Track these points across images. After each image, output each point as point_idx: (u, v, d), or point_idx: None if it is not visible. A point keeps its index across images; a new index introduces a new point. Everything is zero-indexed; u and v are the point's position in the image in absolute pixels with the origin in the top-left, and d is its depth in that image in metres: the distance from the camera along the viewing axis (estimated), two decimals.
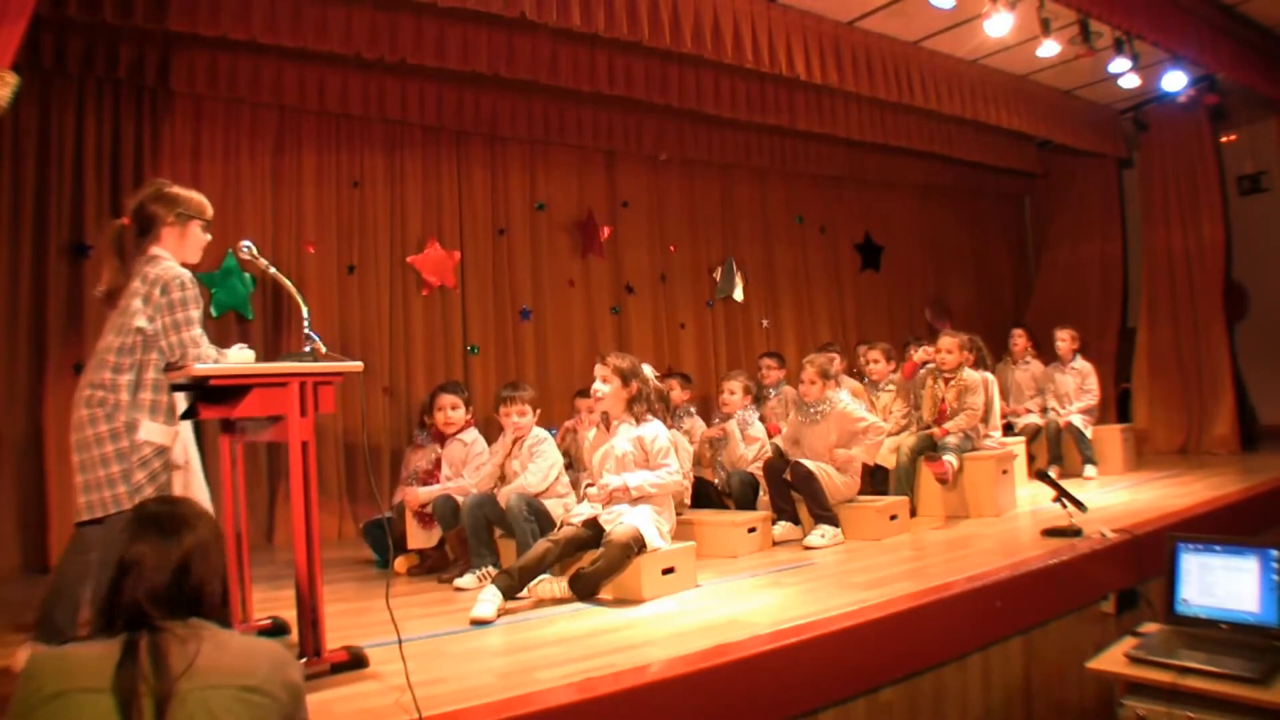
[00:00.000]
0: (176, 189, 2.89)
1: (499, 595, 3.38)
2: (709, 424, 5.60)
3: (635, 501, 3.76)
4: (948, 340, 5.46)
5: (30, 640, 2.65)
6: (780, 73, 5.67)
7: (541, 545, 3.61)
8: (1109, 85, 7.00)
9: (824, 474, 4.61)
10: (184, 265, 2.83)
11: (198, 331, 2.73)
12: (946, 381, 5.40)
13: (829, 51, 5.84)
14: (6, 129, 4.81)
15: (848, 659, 2.89)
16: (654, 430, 3.88)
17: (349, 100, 5.94)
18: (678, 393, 5.49)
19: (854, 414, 4.76)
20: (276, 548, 5.37)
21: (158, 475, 2.70)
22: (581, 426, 5.20)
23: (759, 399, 5.87)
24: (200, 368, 2.65)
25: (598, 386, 3.94)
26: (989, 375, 5.97)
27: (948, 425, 5.22)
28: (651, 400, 3.98)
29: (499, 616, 3.33)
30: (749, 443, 5.23)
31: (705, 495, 5.13)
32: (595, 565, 3.52)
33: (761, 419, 5.52)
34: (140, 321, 2.67)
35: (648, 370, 4.10)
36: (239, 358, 2.91)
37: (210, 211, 2.96)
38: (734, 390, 5.26)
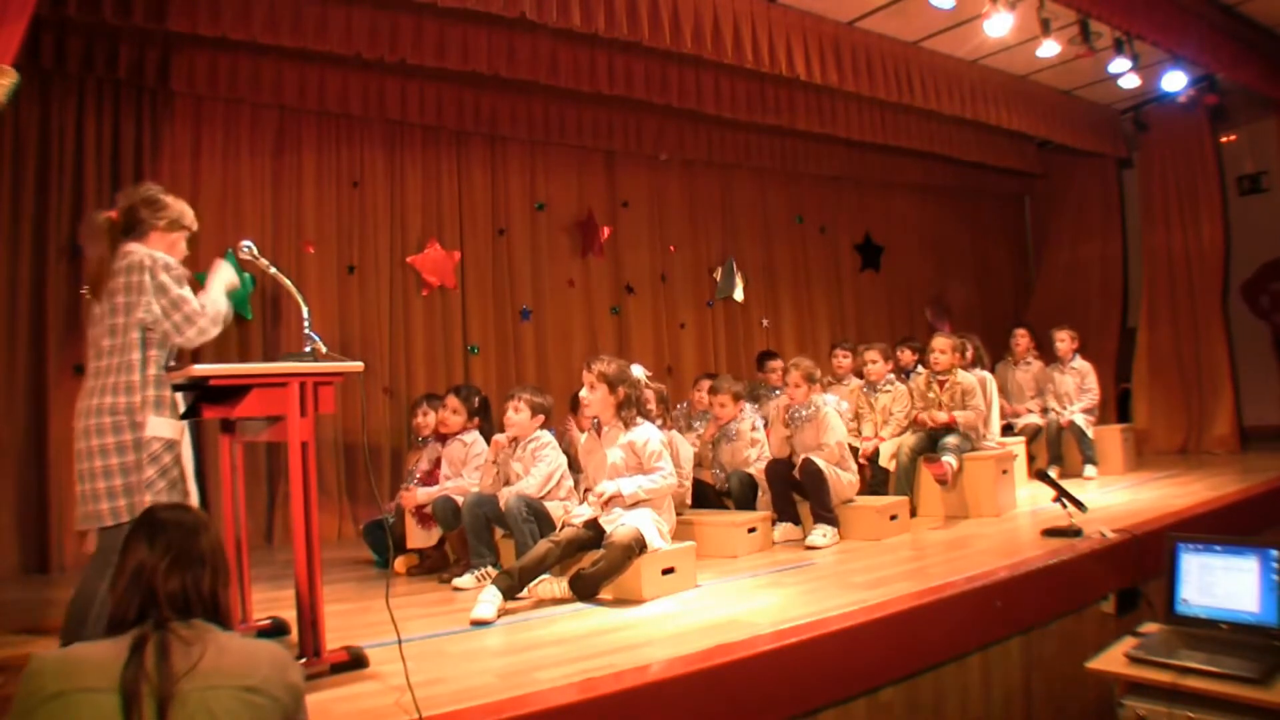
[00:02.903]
0: (167, 197, 2.89)
1: (499, 595, 3.38)
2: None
3: (632, 506, 3.75)
4: (940, 341, 5.46)
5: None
6: (780, 73, 5.67)
7: (543, 546, 3.60)
8: (1109, 85, 7.00)
9: (832, 473, 4.61)
10: None
11: (194, 304, 2.70)
12: (941, 385, 5.39)
13: (829, 51, 5.84)
14: (7, 129, 4.82)
15: (848, 659, 2.89)
16: (645, 434, 3.85)
17: (349, 100, 5.94)
18: (706, 395, 5.48)
19: (828, 428, 4.76)
20: (276, 548, 5.37)
21: (169, 470, 2.67)
22: (574, 428, 5.19)
23: (755, 400, 5.87)
24: (200, 368, 2.64)
25: (584, 394, 3.92)
26: (986, 375, 5.97)
27: (955, 414, 5.21)
28: (642, 403, 3.96)
29: (499, 617, 3.33)
30: (753, 445, 5.22)
31: (704, 496, 5.13)
32: (596, 566, 3.52)
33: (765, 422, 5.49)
34: (142, 313, 2.66)
35: (638, 371, 4.08)
36: (221, 280, 2.87)
37: (195, 224, 2.96)
38: (725, 403, 5.19)
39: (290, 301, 5.63)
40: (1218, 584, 2.80)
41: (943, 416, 5.22)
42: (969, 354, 5.96)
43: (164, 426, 2.68)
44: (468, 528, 4.09)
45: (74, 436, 2.67)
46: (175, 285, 2.69)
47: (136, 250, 2.72)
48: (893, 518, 4.73)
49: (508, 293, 6.76)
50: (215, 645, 1.53)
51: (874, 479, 5.28)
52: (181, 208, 2.90)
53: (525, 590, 3.51)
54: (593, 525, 3.74)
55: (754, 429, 5.27)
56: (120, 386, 2.64)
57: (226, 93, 5.56)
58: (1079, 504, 4.36)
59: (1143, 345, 8.18)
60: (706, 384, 5.59)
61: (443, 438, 4.71)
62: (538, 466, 4.15)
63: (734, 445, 5.22)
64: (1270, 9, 6.63)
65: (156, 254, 2.72)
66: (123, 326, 2.67)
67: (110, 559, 2.57)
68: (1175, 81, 6.82)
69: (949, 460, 4.98)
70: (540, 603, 3.53)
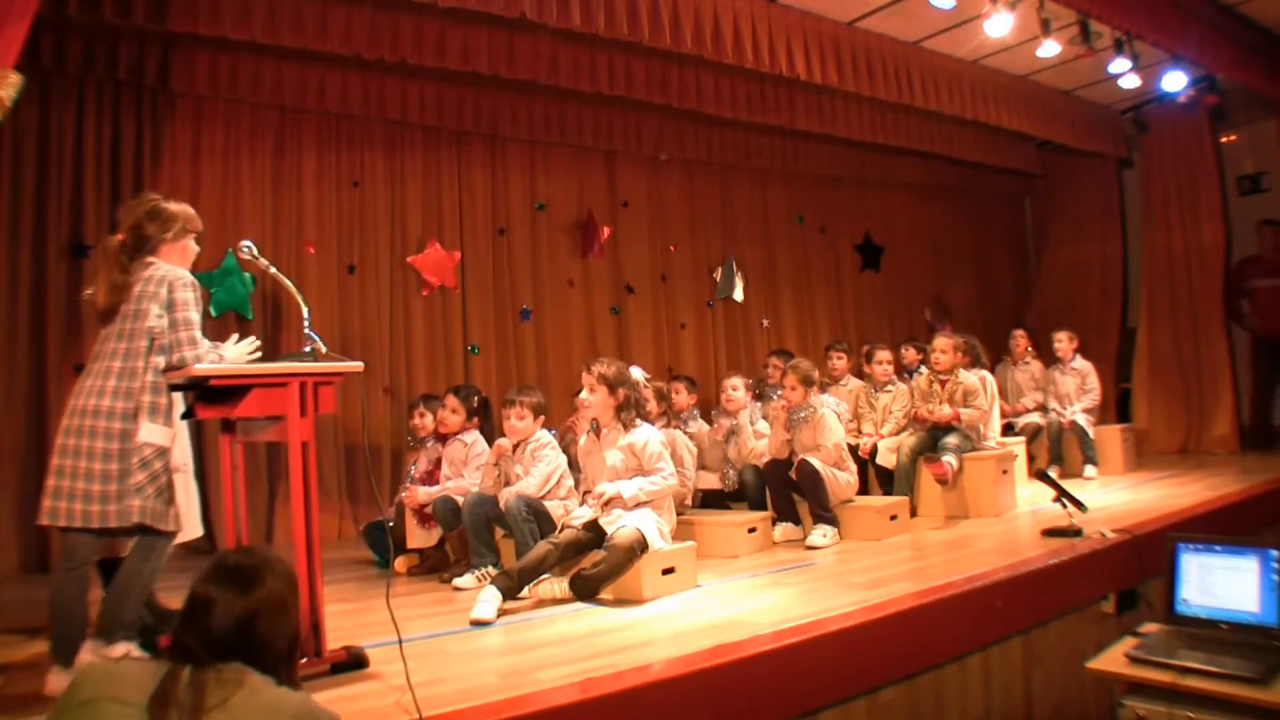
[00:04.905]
0: (170, 205, 2.91)
1: (498, 596, 3.38)
2: (710, 425, 5.58)
3: (633, 507, 3.75)
4: (941, 341, 5.46)
5: (91, 640, 2.66)
6: (780, 73, 5.66)
7: (542, 547, 3.61)
8: (1109, 85, 7.00)
9: (829, 473, 4.61)
10: None
11: (198, 332, 2.75)
12: (943, 384, 5.39)
13: (829, 51, 5.84)
14: (7, 129, 4.80)
15: (848, 659, 2.90)
16: (644, 435, 3.86)
17: (349, 100, 5.94)
18: (684, 397, 5.48)
19: (826, 429, 4.76)
20: (276, 548, 5.37)
21: (158, 476, 2.70)
22: (578, 427, 5.19)
23: (761, 397, 5.86)
24: (200, 368, 2.65)
25: (584, 395, 3.92)
26: (987, 375, 5.97)
27: (960, 411, 5.21)
28: (641, 405, 3.96)
29: (499, 617, 3.33)
30: (756, 438, 5.22)
31: (704, 497, 5.13)
32: (598, 568, 3.53)
33: (765, 418, 5.49)
34: (152, 321, 2.69)
35: (637, 373, 4.08)
36: (239, 350, 2.91)
37: (200, 224, 3.00)
38: (736, 386, 5.24)
39: (290, 301, 5.63)
40: (1218, 584, 2.80)
41: (946, 411, 5.22)
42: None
43: (157, 433, 2.70)
44: (468, 528, 4.10)
45: (61, 432, 2.68)
46: (191, 305, 2.74)
47: (158, 264, 2.78)
48: (893, 518, 4.74)
49: (508, 293, 6.75)
50: (247, 689, 1.55)
51: (879, 476, 5.28)
52: (186, 211, 2.94)
53: (525, 590, 3.52)
54: (593, 526, 3.74)
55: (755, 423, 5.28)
56: (121, 391, 2.66)
57: (226, 93, 5.55)
58: (1079, 504, 4.37)
59: (1143, 345, 8.18)
60: (681, 386, 5.57)
61: (443, 438, 4.71)
62: (537, 466, 4.16)
63: (739, 441, 5.21)
64: (1270, 9, 6.63)
65: (180, 271, 2.78)
66: (130, 332, 2.71)
67: (88, 560, 2.62)
68: (1175, 81, 6.82)
69: (949, 460, 4.99)
70: (540, 603, 3.54)
